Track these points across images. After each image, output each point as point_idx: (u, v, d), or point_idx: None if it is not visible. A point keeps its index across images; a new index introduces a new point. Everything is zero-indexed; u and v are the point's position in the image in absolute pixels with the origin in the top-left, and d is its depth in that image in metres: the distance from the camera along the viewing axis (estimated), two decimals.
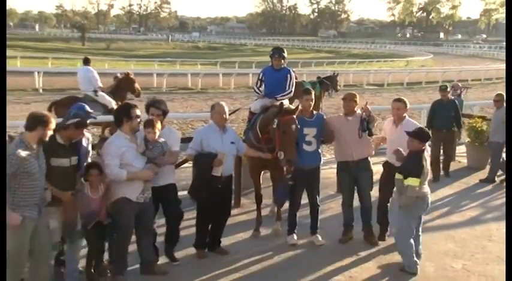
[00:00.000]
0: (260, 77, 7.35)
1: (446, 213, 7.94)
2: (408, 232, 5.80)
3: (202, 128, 7.59)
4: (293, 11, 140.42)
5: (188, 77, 26.80)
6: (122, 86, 12.14)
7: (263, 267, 5.93)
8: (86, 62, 12.49)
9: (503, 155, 9.50)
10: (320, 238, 6.56)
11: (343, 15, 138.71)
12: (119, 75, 13.59)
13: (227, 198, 6.26)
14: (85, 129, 5.17)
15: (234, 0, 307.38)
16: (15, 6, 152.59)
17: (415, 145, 5.73)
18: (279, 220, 6.88)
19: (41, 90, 22.41)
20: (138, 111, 5.26)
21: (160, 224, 5.88)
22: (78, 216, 5.13)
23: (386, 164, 6.61)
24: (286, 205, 6.75)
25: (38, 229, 4.65)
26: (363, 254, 6.31)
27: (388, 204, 6.50)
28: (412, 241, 5.81)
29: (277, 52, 7.23)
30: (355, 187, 6.63)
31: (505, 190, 8.42)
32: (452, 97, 10.48)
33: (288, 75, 7.20)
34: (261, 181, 6.94)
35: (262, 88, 7.30)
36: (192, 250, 6.11)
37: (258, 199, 6.86)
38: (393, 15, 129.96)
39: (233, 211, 6.81)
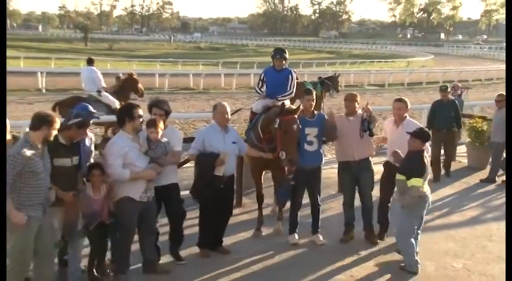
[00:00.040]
0: (262, 78, 7.36)
1: (447, 213, 7.97)
2: (410, 232, 5.82)
3: (204, 128, 7.59)
4: (294, 12, 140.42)
5: (190, 77, 26.78)
6: (126, 87, 12.18)
7: (264, 266, 5.96)
8: (90, 62, 12.52)
9: (504, 155, 9.52)
10: (321, 238, 6.59)
11: (345, 16, 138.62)
12: (121, 75, 13.65)
13: (229, 198, 6.28)
14: (88, 129, 5.19)
15: (235, 1, 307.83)
16: (19, 7, 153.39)
17: (416, 145, 5.75)
18: (281, 220, 6.90)
19: (44, 91, 22.41)
20: (140, 111, 5.28)
21: (162, 224, 5.90)
22: (79, 216, 5.12)
23: (387, 164, 6.63)
24: (288, 204, 6.79)
25: (43, 229, 4.66)
26: (363, 253, 6.33)
27: (389, 204, 6.53)
28: (413, 240, 5.84)
29: (279, 53, 7.25)
30: (356, 187, 6.66)
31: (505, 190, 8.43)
32: (453, 97, 10.48)
33: (290, 76, 7.21)
34: (262, 181, 6.96)
35: (264, 89, 7.31)
36: (193, 250, 6.13)
37: (260, 199, 6.87)
38: (394, 16, 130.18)
39: (235, 211, 6.84)
